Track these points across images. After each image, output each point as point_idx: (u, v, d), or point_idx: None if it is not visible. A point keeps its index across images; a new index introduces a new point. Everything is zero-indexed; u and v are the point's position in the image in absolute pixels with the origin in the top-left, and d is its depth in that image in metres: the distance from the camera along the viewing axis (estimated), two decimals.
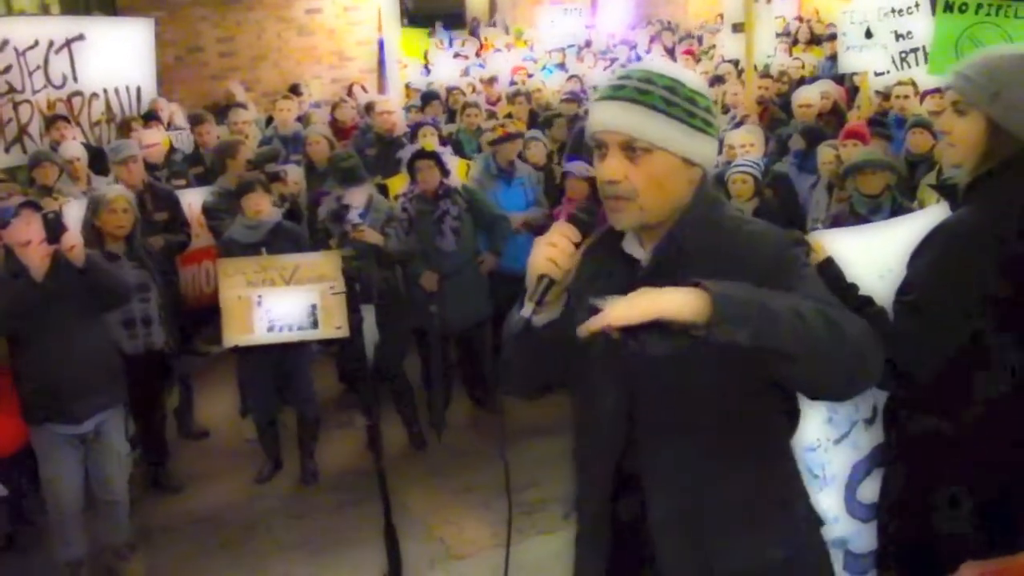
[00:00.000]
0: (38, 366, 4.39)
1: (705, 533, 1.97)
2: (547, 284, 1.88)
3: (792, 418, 2.12)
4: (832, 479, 2.56)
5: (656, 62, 2.15)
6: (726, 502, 1.96)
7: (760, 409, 1.98)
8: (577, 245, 1.91)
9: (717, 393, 1.91)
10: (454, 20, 19.51)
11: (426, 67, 14.64)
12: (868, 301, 2.40)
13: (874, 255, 2.55)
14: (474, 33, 18.56)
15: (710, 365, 1.85)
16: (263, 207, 5.51)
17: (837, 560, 2.62)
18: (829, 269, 2.46)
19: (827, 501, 2.56)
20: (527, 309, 1.91)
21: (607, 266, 2.06)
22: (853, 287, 2.44)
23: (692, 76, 2.01)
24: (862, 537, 2.62)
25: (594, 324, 1.75)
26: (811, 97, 7.81)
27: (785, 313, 1.71)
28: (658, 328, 1.72)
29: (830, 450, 2.55)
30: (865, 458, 2.60)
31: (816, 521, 2.13)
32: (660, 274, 1.88)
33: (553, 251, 1.87)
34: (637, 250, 2.04)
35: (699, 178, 1.98)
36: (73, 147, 7.16)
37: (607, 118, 1.93)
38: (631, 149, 1.90)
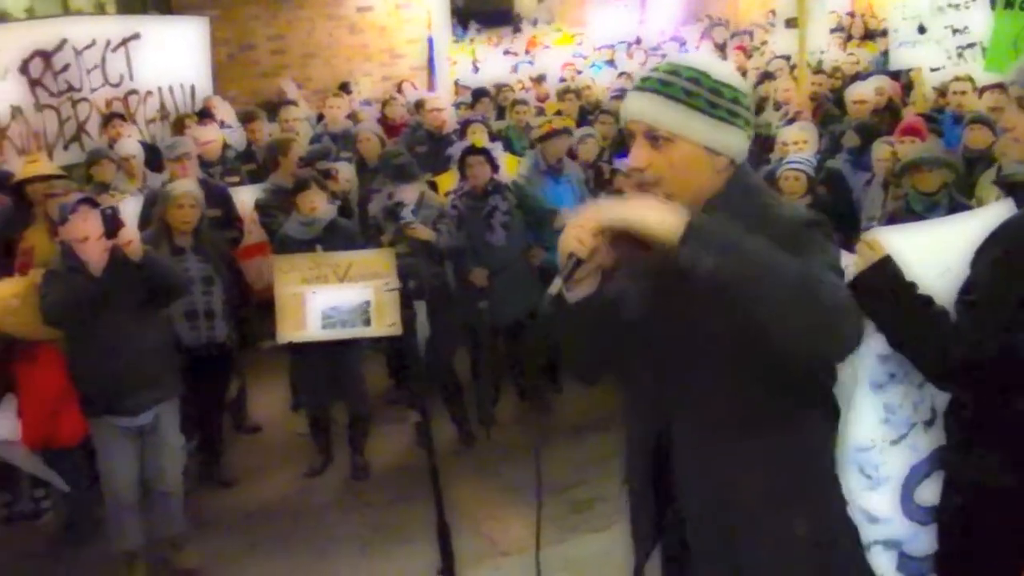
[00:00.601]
0: (96, 360, 4.47)
1: (732, 518, 2.06)
2: (575, 262, 1.97)
3: (827, 416, 2.20)
4: (886, 479, 2.51)
5: (688, 56, 2.28)
6: (752, 488, 2.04)
7: (788, 401, 2.05)
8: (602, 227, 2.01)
9: (742, 383, 2.00)
10: (501, 18, 19.39)
11: (475, 64, 14.66)
12: (928, 301, 2.35)
13: (933, 253, 2.49)
14: (517, 30, 18.48)
15: (734, 355, 1.96)
16: (318, 204, 5.56)
17: (891, 560, 2.59)
18: (887, 267, 2.40)
19: (880, 501, 2.52)
20: (555, 286, 1.99)
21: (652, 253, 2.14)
22: (912, 285, 2.39)
23: (722, 69, 2.08)
24: (920, 540, 2.57)
25: (574, 219, 1.95)
26: (865, 93, 7.70)
27: (756, 254, 1.80)
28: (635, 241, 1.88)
29: (886, 451, 2.50)
30: (924, 460, 2.55)
31: (843, 510, 2.23)
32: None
33: (580, 231, 1.96)
34: None
35: (725, 167, 2.05)
36: (129, 145, 7.28)
37: (633, 108, 2.06)
38: (654, 138, 2.01)
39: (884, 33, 11.11)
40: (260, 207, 6.32)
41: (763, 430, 2.04)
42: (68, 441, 4.77)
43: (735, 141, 2.03)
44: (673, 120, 1.98)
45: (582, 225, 1.97)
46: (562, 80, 11.75)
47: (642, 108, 2.03)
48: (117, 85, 8.78)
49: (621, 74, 11.56)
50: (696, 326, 2.00)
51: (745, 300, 1.81)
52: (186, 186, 5.49)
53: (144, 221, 5.70)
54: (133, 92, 8.90)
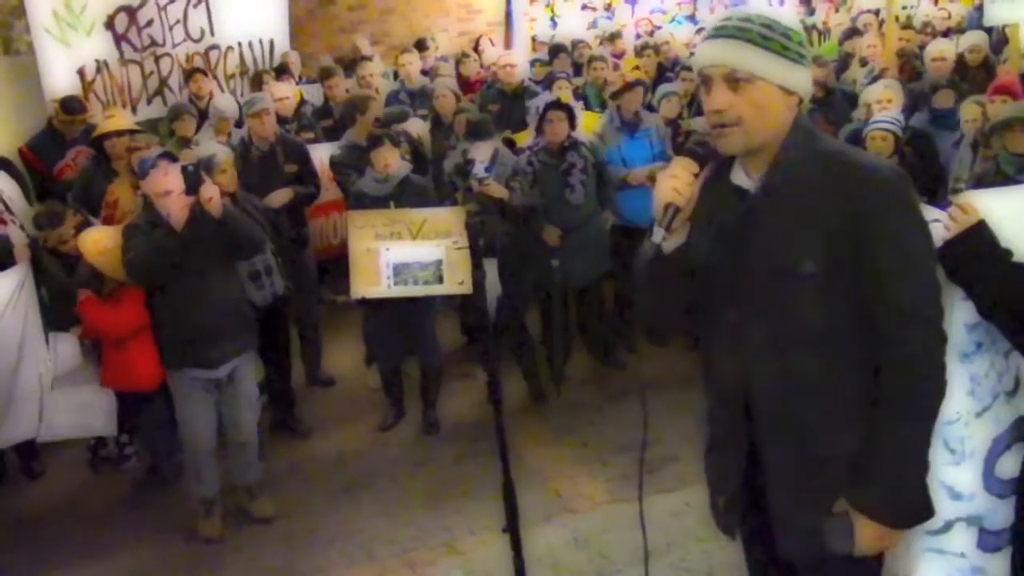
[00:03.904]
0: (176, 313, 4.57)
1: (800, 427, 2.19)
2: (674, 211, 2.14)
3: None
4: (971, 454, 2.45)
5: (756, 5, 2.50)
6: (821, 406, 2.17)
7: (858, 332, 2.13)
8: (695, 175, 2.18)
9: (819, 317, 2.12)
10: None
11: (553, 20, 14.46)
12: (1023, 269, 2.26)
13: None
14: None
15: (813, 294, 2.10)
16: (391, 161, 5.56)
17: (972, 538, 2.53)
18: (982, 233, 2.31)
19: (963, 477, 2.47)
20: (658, 235, 2.17)
21: (721, 199, 2.26)
22: (1007, 253, 2.29)
23: (786, 14, 2.24)
24: (997, 513, 2.51)
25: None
26: (945, 50, 7.39)
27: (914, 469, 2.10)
28: None
29: (971, 424, 2.43)
30: (1005, 432, 2.48)
31: None
32: (769, 199, 2.15)
33: (676, 181, 2.15)
34: (744, 180, 2.24)
35: (795, 106, 2.18)
36: (226, 102, 7.32)
37: (712, 54, 2.16)
38: (734, 80, 2.12)
39: None
40: (334, 164, 6.35)
41: (837, 353, 2.15)
42: (147, 384, 4.89)
43: (804, 80, 2.18)
44: (752, 62, 2.11)
45: (677, 175, 2.15)
46: (638, 36, 11.51)
47: (722, 53, 2.13)
48: (198, 40, 8.85)
49: (700, 29, 11.29)
50: (769, 261, 2.15)
51: None
52: (226, 151, 5.45)
53: None
54: (214, 47, 8.97)
